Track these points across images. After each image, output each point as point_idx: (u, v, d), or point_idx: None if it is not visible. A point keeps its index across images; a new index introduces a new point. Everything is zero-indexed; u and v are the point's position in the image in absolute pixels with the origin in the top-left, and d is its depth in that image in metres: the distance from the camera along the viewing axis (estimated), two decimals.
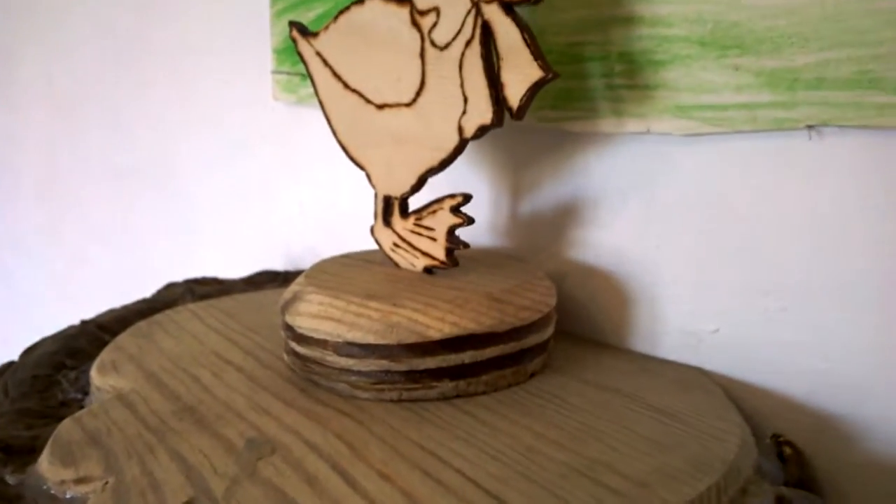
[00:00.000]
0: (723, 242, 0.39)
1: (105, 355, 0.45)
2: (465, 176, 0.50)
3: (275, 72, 0.65)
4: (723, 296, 0.40)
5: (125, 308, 0.60)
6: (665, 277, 0.42)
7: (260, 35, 0.67)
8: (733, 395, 0.39)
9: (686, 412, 0.35)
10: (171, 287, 0.64)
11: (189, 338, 0.47)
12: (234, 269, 0.74)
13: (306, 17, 0.60)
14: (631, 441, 0.32)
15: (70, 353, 0.51)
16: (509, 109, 0.36)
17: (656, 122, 0.40)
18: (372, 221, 0.44)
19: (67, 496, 0.31)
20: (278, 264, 0.70)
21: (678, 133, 0.39)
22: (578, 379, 0.39)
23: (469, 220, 0.39)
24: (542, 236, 0.47)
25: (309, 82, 0.47)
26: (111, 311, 0.59)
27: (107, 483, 0.31)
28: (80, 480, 0.31)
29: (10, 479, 0.33)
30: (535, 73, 0.34)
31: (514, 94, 0.35)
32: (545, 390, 0.38)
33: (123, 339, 0.48)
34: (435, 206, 0.40)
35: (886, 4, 0.31)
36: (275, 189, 0.70)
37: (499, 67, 0.36)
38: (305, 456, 0.31)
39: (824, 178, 0.35)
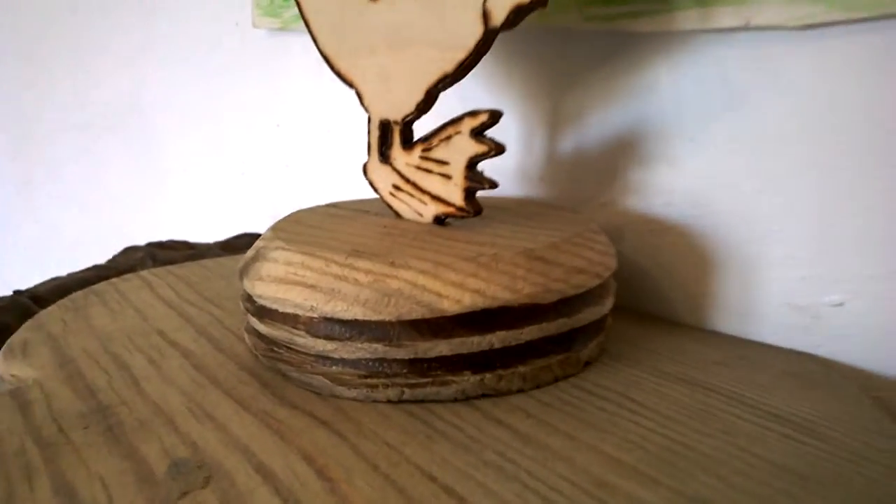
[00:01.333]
0: (854, 182, 0.28)
1: (18, 335, 0.35)
2: (483, 101, 0.38)
3: None
4: (852, 256, 0.28)
5: (70, 276, 0.49)
6: (767, 232, 0.30)
7: None
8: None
9: (822, 422, 0.24)
10: (129, 251, 0.53)
11: (131, 312, 0.36)
12: (214, 231, 0.63)
13: None
14: (753, 470, 0.21)
15: None
16: None
17: (759, 10, 0.28)
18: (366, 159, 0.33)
19: None
20: (262, 226, 0.59)
21: (793, 24, 0.28)
22: (652, 371, 0.28)
23: (498, 148, 0.28)
24: (590, 180, 0.36)
25: (292, 5, 0.36)
26: (52, 280, 0.48)
27: None
28: None
29: None
30: None
31: None
32: (608, 387, 0.26)
33: (48, 313, 0.37)
34: (450, 130, 0.29)
35: None
36: (257, 136, 0.59)
37: None
38: (254, 490, 0.20)
39: None
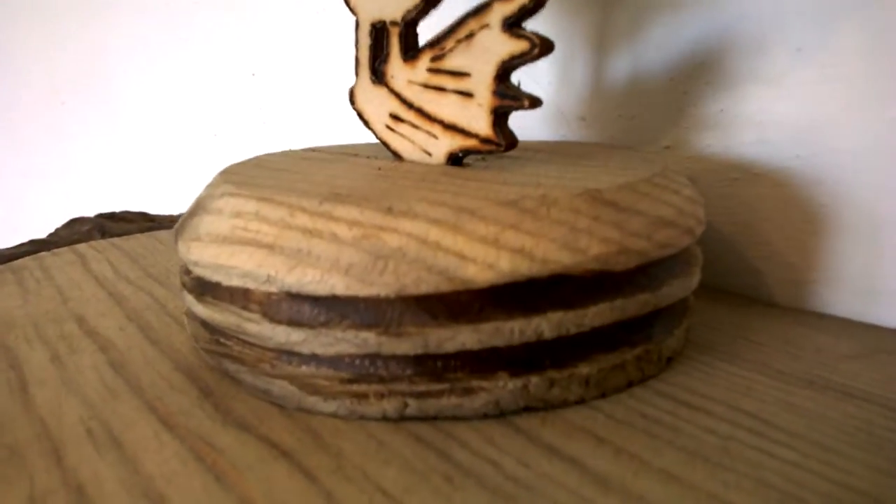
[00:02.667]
0: None
1: None
2: None
3: None
4: None
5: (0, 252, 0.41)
6: None
7: None
8: None
9: None
10: (75, 223, 0.45)
11: (50, 292, 0.28)
12: (186, 202, 0.54)
13: None
14: None
15: None
16: None
17: None
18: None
19: None
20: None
21: None
22: (763, 369, 0.19)
23: (543, 45, 0.19)
24: (649, 116, 0.27)
25: None
26: None
27: None
28: None
29: None
30: None
31: None
32: (708, 395, 0.18)
33: None
34: (472, 25, 0.20)
35: None
36: (230, 89, 0.50)
37: None
38: None
39: None
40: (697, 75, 0.26)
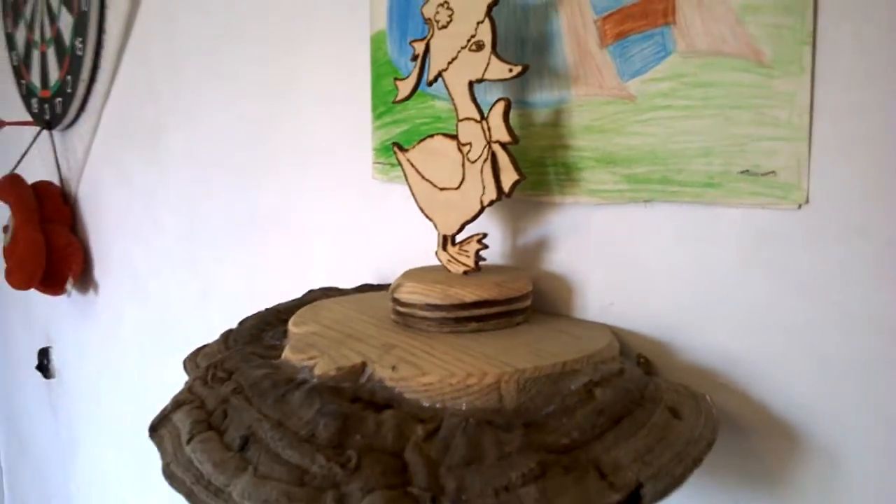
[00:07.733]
0: (613, 263, 0.78)
1: (295, 318, 0.85)
2: (475, 227, 0.90)
3: (375, 162, 1.07)
4: (610, 288, 0.79)
5: (284, 304, 1.00)
6: (585, 281, 0.81)
7: (363, 139, 1.08)
8: (622, 338, 0.77)
9: (588, 336, 0.74)
10: (311, 292, 1.04)
11: (340, 312, 0.87)
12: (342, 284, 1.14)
13: (394, 132, 1.01)
14: (560, 342, 0.71)
15: (266, 324, 0.91)
16: (504, 193, 0.76)
17: (581, 197, 0.79)
18: (433, 250, 0.84)
19: (301, 365, 0.71)
20: (373, 280, 1.10)
21: (591, 203, 0.79)
22: (540, 326, 0.78)
23: (486, 247, 0.79)
24: (522, 258, 0.87)
25: (395, 169, 0.87)
26: (277, 305, 0.99)
27: (323, 357, 0.70)
28: (309, 358, 0.71)
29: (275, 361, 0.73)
30: (514, 176, 0.74)
31: (507, 185, 0.75)
32: (524, 330, 0.77)
33: (300, 313, 0.88)
34: (469, 239, 0.80)
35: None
36: (371, 236, 1.11)
37: (499, 170, 0.76)
38: (411, 347, 0.71)
39: (654, 235, 0.74)
40: (536, 247, 0.85)
